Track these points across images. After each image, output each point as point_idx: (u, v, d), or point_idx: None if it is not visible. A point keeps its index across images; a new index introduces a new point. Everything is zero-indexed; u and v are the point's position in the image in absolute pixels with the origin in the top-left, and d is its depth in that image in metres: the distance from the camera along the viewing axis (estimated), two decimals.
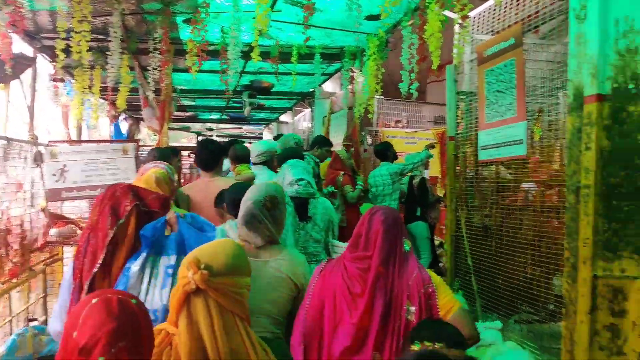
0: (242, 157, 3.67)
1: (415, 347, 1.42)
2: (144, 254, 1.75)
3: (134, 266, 1.74)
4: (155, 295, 1.73)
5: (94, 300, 1.14)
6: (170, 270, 1.74)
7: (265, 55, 4.63)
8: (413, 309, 1.85)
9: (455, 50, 3.66)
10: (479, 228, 3.89)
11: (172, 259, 1.76)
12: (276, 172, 3.57)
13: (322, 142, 4.84)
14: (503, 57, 3.38)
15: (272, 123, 13.62)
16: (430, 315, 1.87)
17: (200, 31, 4.03)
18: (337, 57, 6.03)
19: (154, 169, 2.47)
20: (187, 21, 4.59)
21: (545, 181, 3.42)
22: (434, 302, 1.89)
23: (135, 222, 1.82)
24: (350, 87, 6.01)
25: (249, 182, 2.99)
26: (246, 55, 4.56)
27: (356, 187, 4.77)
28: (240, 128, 14.69)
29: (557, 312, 3.26)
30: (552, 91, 3.54)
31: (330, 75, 7.24)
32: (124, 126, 9.19)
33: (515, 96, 3.27)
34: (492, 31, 3.84)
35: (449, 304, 1.90)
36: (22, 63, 3.57)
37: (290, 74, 5.67)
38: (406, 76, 4.00)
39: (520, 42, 3.20)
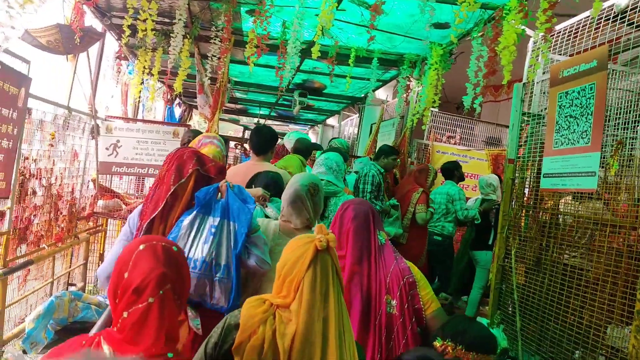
0: (299, 150, 3.88)
1: (437, 344, 1.42)
2: (195, 212, 2.02)
3: (186, 220, 2.01)
4: (199, 248, 1.98)
5: (141, 247, 1.32)
6: (213, 230, 1.99)
7: (322, 55, 4.55)
8: (394, 301, 1.84)
9: (528, 66, 3.45)
10: (530, 261, 3.62)
11: (216, 221, 2.00)
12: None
13: (389, 152, 4.63)
14: (582, 80, 3.13)
15: (318, 125, 13.59)
16: (414, 306, 1.86)
17: (263, 22, 3.99)
18: (395, 64, 5.87)
19: (211, 147, 2.70)
20: (250, 12, 4.59)
21: (614, 220, 3.14)
22: (415, 292, 1.89)
23: (194, 183, 2.10)
24: (404, 95, 5.84)
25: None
26: (304, 53, 4.50)
27: (428, 209, 4.60)
28: (287, 126, 14.73)
29: None
30: (630, 124, 3.30)
31: (385, 82, 7.10)
32: (178, 111, 9.37)
33: (592, 124, 3.02)
34: (563, 53, 3.63)
35: (430, 299, 1.91)
36: (91, 37, 3.62)
37: (344, 76, 5.56)
38: (471, 89, 3.81)
39: (605, 65, 2.94)
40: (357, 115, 9.42)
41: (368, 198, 4.31)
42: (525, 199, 3.89)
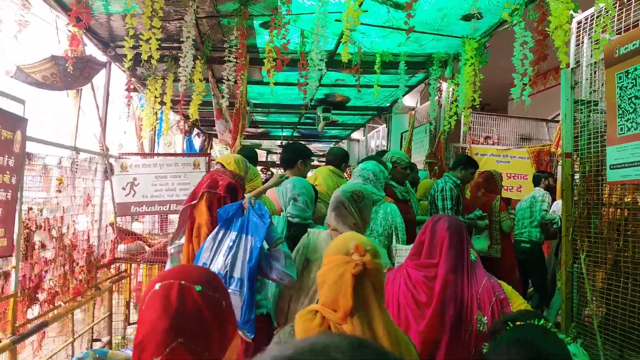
0: (329, 160, 3.83)
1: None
2: (218, 227, 2.20)
3: (211, 234, 2.19)
4: (217, 260, 2.12)
5: (157, 286, 1.09)
6: (230, 243, 2.13)
7: (346, 64, 4.16)
8: (485, 318, 1.81)
9: (591, 44, 3.00)
10: (607, 264, 3.19)
11: (234, 235, 2.15)
12: None
13: (467, 163, 4.30)
14: None
15: (343, 140, 13.22)
16: None
17: (280, 31, 3.64)
18: (423, 66, 5.44)
19: (233, 154, 2.96)
20: (264, 25, 4.25)
21: None
22: (508, 309, 1.85)
23: (207, 202, 2.35)
24: (437, 98, 5.39)
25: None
26: (326, 64, 4.13)
27: (510, 215, 4.36)
28: (311, 145, 14.39)
29: None
30: None
31: (412, 87, 6.67)
32: (197, 142, 9.15)
33: None
34: (609, 31, 3.21)
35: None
36: (92, 67, 3.33)
37: (370, 86, 5.16)
38: (519, 80, 3.34)
39: None
40: (384, 125, 9.00)
41: (450, 215, 3.99)
42: (588, 195, 3.49)
